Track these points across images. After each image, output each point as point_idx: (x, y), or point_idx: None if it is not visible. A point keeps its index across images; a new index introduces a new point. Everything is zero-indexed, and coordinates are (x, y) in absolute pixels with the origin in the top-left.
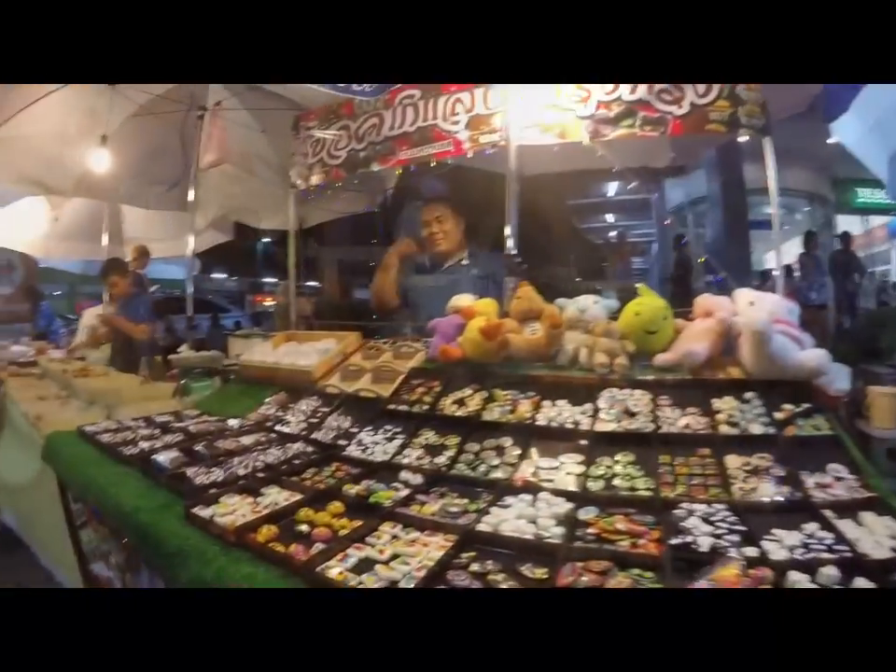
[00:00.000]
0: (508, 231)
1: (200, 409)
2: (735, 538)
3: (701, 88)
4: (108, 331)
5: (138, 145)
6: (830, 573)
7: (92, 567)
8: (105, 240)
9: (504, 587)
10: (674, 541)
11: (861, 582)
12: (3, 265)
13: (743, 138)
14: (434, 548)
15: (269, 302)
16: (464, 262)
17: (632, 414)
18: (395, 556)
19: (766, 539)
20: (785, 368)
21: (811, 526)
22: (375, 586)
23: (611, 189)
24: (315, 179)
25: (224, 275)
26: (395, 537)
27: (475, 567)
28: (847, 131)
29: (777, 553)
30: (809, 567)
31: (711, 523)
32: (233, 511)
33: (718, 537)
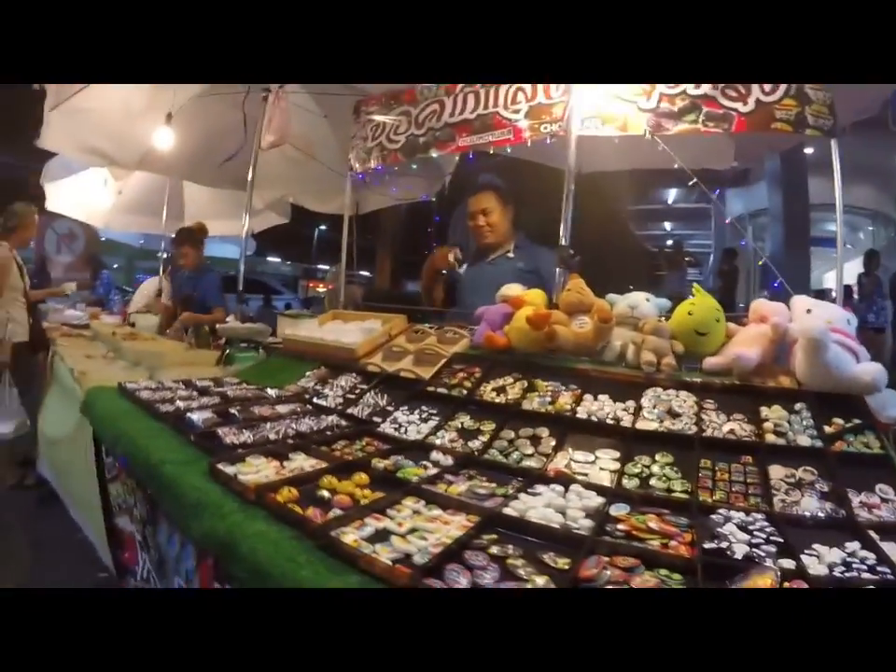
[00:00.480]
0: (562, 224)
1: (240, 378)
2: (772, 548)
3: (767, 85)
4: (161, 304)
5: (202, 123)
6: None
7: (117, 521)
8: (164, 215)
9: (521, 573)
10: (707, 545)
11: None
12: (66, 233)
13: (811, 139)
14: (455, 527)
15: (321, 289)
16: (510, 255)
17: (675, 415)
18: (413, 531)
19: (805, 554)
20: (839, 379)
21: (853, 545)
22: (388, 557)
23: (670, 195)
24: (374, 162)
25: (279, 259)
26: (416, 512)
27: (494, 549)
28: None
29: (815, 567)
30: (848, 586)
31: (748, 531)
32: (257, 471)
33: (754, 546)
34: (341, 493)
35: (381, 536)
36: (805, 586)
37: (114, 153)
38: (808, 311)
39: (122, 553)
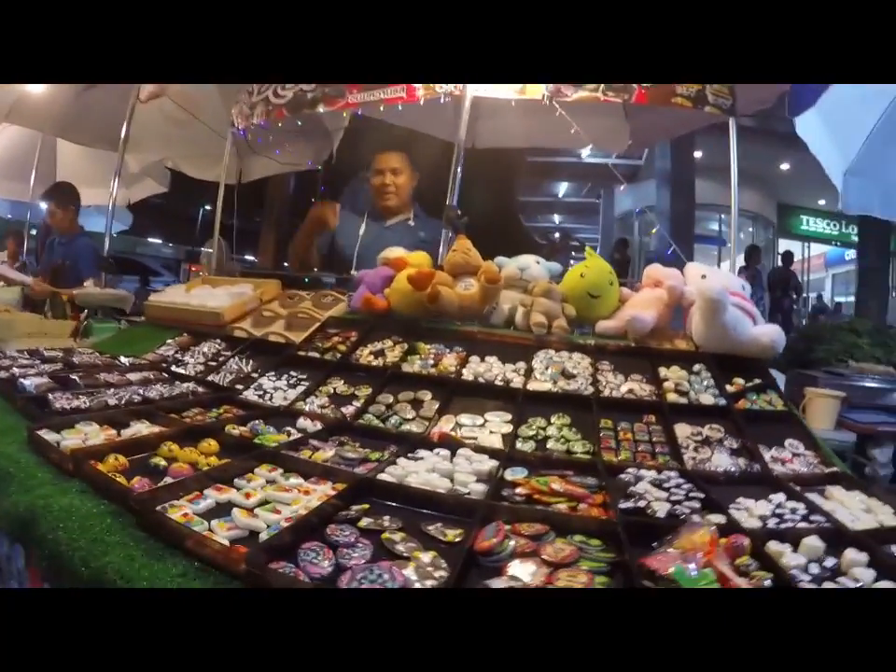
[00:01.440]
0: (450, 184)
1: (95, 348)
2: (696, 504)
3: None
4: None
5: None
6: (814, 544)
7: None
8: (32, 179)
9: (401, 549)
10: (624, 505)
11: (851, 554)
12: None
13: (703, 129)
14: (317, 497)
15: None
16: (410, 223)
17: (570, 377)
18: (264, 503)
19: (733, 508)
20: (738, 341)
21: (778, 497)
22: (226, 535)
23: (561, 189)
24: (257, 118)
25: (160, 241)
26: (271, 482)
27: (366, 521)
28: (809, 129)
29: (746, 521)
30: (787, 537)
31: (665, 489)
32: (86, 438)
33: (675, 503)
34: (181, 461)
35: (223, 510)
36: (745, 540)
37: None
38: (703, 276)
39: None
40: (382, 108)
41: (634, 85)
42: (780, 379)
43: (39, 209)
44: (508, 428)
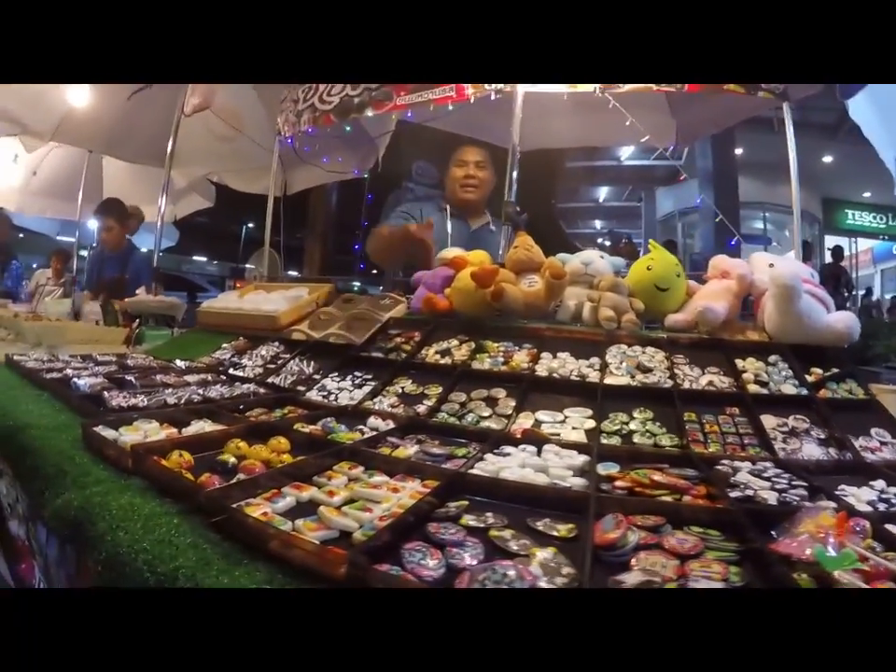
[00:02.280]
0: (507, 180)
1: (150, 354)
2: (802, 492)
3: None
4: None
5: (124, 87)
6: None
7: (10, 526)
8: (80, 197)
9: (514, 547)
10: (733, 495)
11: None
12: None
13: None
14: (408, 494)
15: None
16: (492, 228)
17: (646, 370)
18: (351, 502)
19: (839, 494)
20: (813, 329)
21: (879, 484)
22: (315, 536)
23: (602, 194)
24: (304, 125)
25: (205, 259)
26: (354, 480)
27: (469, 519)
28: (862, 111)
29: (859, 506)
30: None
31: (766, 478)
32: (145, 436)
33: (781, 491)
34: (252, 459)
35: (304, 510)
36: (866, 523)
37: (29, 120)
38: (771, 265)
39: (18, 563)
40: (432, 108)
41: None
42: None
43: (87, 228)
44: (590, 424)
